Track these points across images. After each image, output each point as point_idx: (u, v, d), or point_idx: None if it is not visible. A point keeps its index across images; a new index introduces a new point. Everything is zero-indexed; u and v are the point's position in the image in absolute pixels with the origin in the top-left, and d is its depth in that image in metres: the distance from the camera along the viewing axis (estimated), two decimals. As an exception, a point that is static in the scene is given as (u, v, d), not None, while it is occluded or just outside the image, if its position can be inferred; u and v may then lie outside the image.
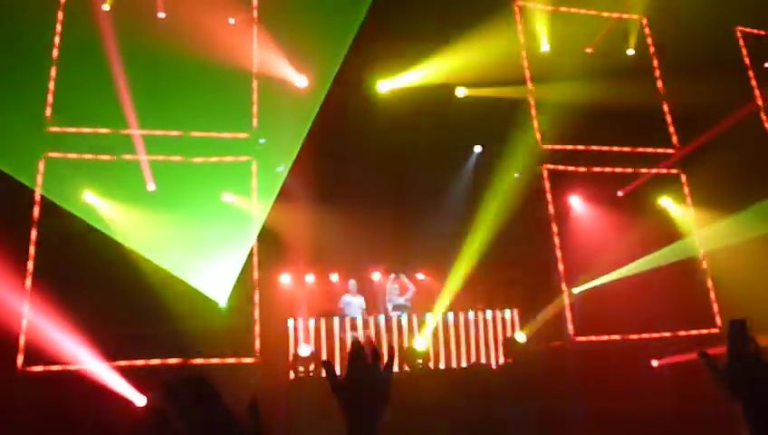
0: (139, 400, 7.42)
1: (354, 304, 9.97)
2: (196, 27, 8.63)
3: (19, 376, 7.36)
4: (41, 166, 8.05)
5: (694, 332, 9.25)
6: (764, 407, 1.38)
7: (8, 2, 7.83)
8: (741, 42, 11.15)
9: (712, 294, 9.73)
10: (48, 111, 8.21)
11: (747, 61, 11.04)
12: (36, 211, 7.87)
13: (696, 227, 10.05)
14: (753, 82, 10.93)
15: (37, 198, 7.92)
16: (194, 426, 1.26)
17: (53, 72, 8.33)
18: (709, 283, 9.80)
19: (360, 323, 9.24)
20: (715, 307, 9.64)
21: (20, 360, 7.40)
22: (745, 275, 9.01)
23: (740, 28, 11.13)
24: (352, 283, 10.22)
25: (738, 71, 10.96)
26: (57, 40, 8.40)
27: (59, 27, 8.42)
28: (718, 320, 9.54)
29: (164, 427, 1.26)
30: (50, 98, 8.25)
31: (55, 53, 8.37)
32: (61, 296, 7.35)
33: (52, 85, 8.29)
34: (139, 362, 7.73)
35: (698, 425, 6.06)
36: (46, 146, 8.13)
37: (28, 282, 7.63)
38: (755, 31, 11.21)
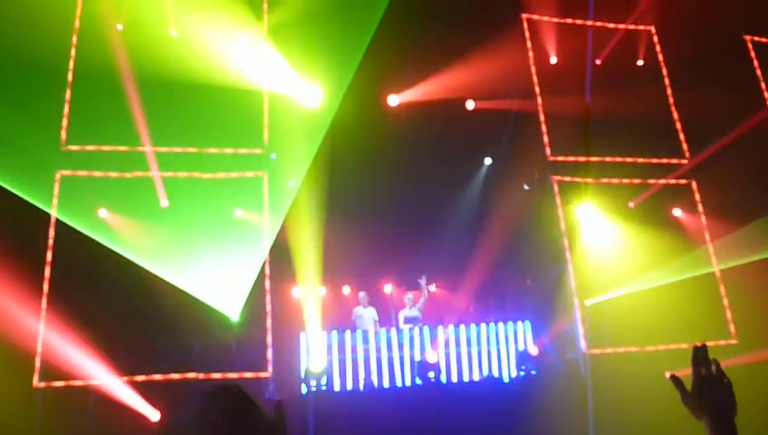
0: (153, 414, 7.48)
1: (366, 316, 9.99)
2: (208, 45, 8.75)
3: (35, 392, 7.43)
4: (56, 184, 8.18)
5: (710, 343, 9.16)
6: (728, 423, 1.53)
7: (25, 22, 7.99)
8: (751, 50, 11.12)
9: (726, 306, 9.64)
10: (63, 131, 8.34)
11: (758, 69, 11.00)
12: (52, 230, 7.98)
13: (709, 238, 9.98)
14: (764, 91, 10.88)
15: (53, 216, 8.03)
16: (235, 427, 1.42)
17: (69, 92, 8.47)
18: (723, 294, 9.71)
19: (371, 336, 9.25)
20: (730, 318, 9.54)
21: (36, 376, 7.48)
22: (760, 286, 8.94)
23: (749, 37, 11.09)
24: (363, 295, 10.25)
25: (748, 80, 10.91)
26: (72, 61, 8.54)
27: (74, 49, 8.57)
28: (733, 330, 9.45)
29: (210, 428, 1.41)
30: (65, 118, 8.38)
31: (70, 74, 8.51)
32: (75, 313, 7.44)
33: (67, 105, 8.43)
34: (154, 378, 7.79)
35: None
36: (61, 165, 8.26)
37: (44, 300, 7.73)
38: (765, 40, 11.17)
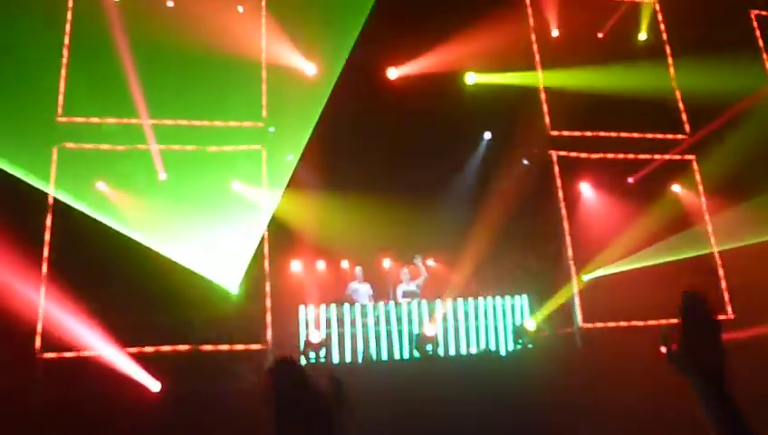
0: (154, 385, 7.56)
1: (361, 290, 10.05)
2: (205, 16, 8.65)
3: (36, 362, 7.51)
4: (54, 155, 8.16)
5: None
6: (720, 381, 1.39)
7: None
8: (755, 25, 11.00)
9: (723, 281, 9.69)
10: (60, 103, 8.29)
11: (762, 45, 10.90)
12: (51, 199, 7.99)
13: (708, 215, 9.99)
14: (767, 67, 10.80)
15: (51, 186, 8.03)
16: (294, 396, 1.54)
17: (65, 63, 8.40)
18: (720, 270, 9.76)
19: (369, 309, 9.31)
20: (726, 295, 9.60)
21: (37, 345, 7.55)
22: (756, 262, 8.97)
23: (755, 11, 10.97)
24: (359, 269, 10.28)
25: (752, 55, 10.82)
26: (68, 30, 8.46)
27: (69, 18, 8.48)
28: (729, 307, 9.52)
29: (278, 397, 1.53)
30: (61, 89, 8.33)
31: (66, 43, 8.43)
32: (75, 285, 7.48)
33: (63, 77, 8.36)
34: (155, 349, 7.87)
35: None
36: (58, 137, 8.23)
37: (44, 269, 7.76)
38: (770, 14, 11.06)
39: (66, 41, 8.47)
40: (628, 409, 7.19)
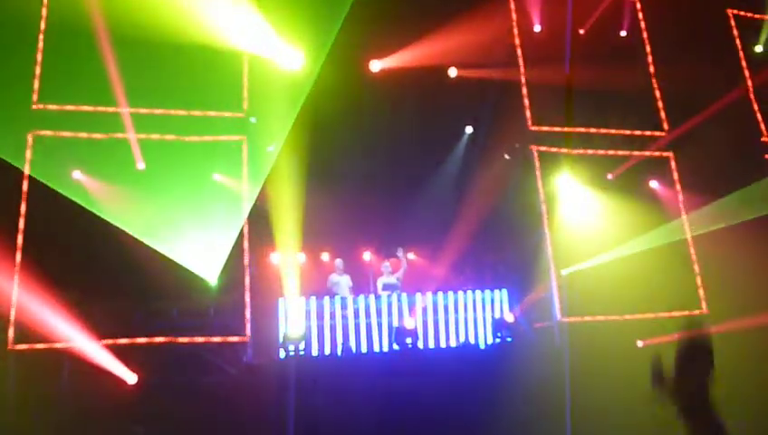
0: (130, 378, 7.47)
1: (342, 283, 10.04)
2: (187, 4, 8.52)
3: (8, 354, 7.37)
4: (29, 143, 7.98)
5: (681, 313, 9.37)
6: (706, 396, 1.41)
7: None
8: (733, 24, 11.16)
9: (698, 278, 9.83)
10: (36, 90, 8.12)
11: (738, 43, 11.06)
12: (25, 186, 7.82)
13: (685, 211, 10.13)
14: (744, 66, 10.96)
15: (25, 174, 7.86)
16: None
17: (40, 48, 8.22)
18: (696, 266, 9.90)
19: (349, 302, 9.30)
20: (701, 290, 9.75)
21: (10, 337, 7.40)
22: (731, 258, 9.13)
23: (732, 11, 11.13)
24: (339, 262, 10.28)
25: (729, 53, 10.98)
26: (44, 15, 8.28)
27: (45, 3, 8.30)
28: (704, 303, 9.67)
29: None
30: (38, 76, 8.15)
31: (42, 28, 8.25)
32: (50, 275, 7.34)
33: (39, 63, 8.19)
34: (131, 341, 7.76)
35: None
36: (34, 124, 8.06)
37: (17, 258, 7.61)
38: (747, 14, 11.22)
39: (43, 26, 8.28)
40: (607, 402, 7.29)
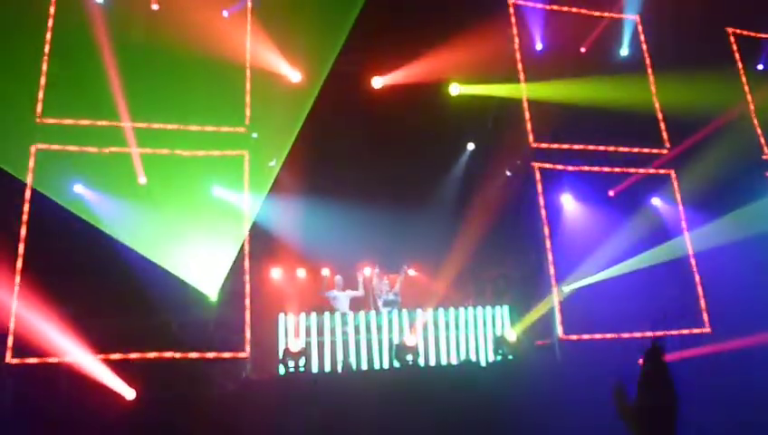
0: (128, 393, 7.41)
1: (341, 297, 10.01)
2: (190, 20, 8.60)
3: (7, 368, 7.32)
4: (31, 158, 8.01)
5: (684, 331, 9.32)
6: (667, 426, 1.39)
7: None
8: (733, 43, 11.23)
9: (701, 295, 9.78)
10: (40, 104, 8.16)
11: (739, 62, 11.12)
12: (27, 204, 7.83)
13: (686, 228, 10.11)
14: (745, 84, 11.01)
15: (28, 190, 7.88)
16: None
17: (45, 63, 8.28)
18: (698, 283, 9.85)
19: (350, 318, 9.25)
20: (704, 307, 9.69)
21: (8, 352, 7.36)
22: (733, 275, 9.09)
23: (731, 29, 11.19)
24: (339, 278, 10.26)
25: (729, 71, 11.03)
26: (49, 32, 8.35)
27: (51, 19, 8.37)
28: (706, 320, 9.60)
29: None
30: (41, 90, 8.20)
31: (47, 45, 8.32)
32: (50, 289, 7.33)
33: (43, 77, 8.24)
34: (129, 356, 7.71)
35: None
36: (37, 138, 8.09)
37: (17, 271, 7.59)
38: (747, 32, 11.29)
39: (48, 39, 8.34)
40: (607, 420, 7.21)
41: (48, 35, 8.39)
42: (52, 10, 8.45)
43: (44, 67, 8.29)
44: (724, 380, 7.93)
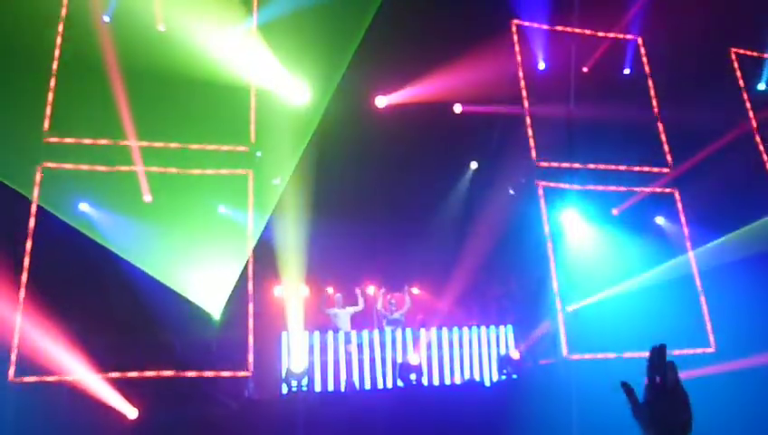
0: (131, 412, 7.38)
1: (341, 314, 9.98)
2: (196, 41, 8.69)
3: (11, 386, 7.30)
4: (38, 176, 8.06)
5: (688, 351, 9.25)
6: None
7: (10, 12, 7.88)
8: (735, 63, 11.28)
9: (706, 314, 9.73)
10: (46, 122, 8.23)
11: (741, 82, 11.16)
12: (32, 221, 7.86)
13: (690, 247, 10.08)
14: (747, 103, 11.04)
15: (33, 208, 7.91)
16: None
17: (53, 82, 8.36)
18: (703, 302, 9.80)
19: (353, 337, 9.22)
20: (709, 326, 9.63)
21: (11, 370, 7.35)
22: (739, 295, 9.04)
23: (734, 50, 11.25)
24: (339, 296, 10.24)
25: (732, 91, 11.06)
26: (57, 51, 8.44)
27: (59, 39, 8.47)
28: (711, 339, 9.54)
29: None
30: (48, 108, 8.27)
31: (55, 63, 8.40)
32: (54, 306, 7.33)
33: (51, 96, 8.32)
34: (132, 375, 7.69)
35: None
36: (44, 156, 8.15)
37: (22, 291, 7.60)
38: (749, 53, 11.34)
39: (56, 59, 8.43)
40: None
41: (56, 53, 8.48)
42: (60, 28, 8.55)
43: (52, 86, 8.37)
44: (728, 399, 7.86)
